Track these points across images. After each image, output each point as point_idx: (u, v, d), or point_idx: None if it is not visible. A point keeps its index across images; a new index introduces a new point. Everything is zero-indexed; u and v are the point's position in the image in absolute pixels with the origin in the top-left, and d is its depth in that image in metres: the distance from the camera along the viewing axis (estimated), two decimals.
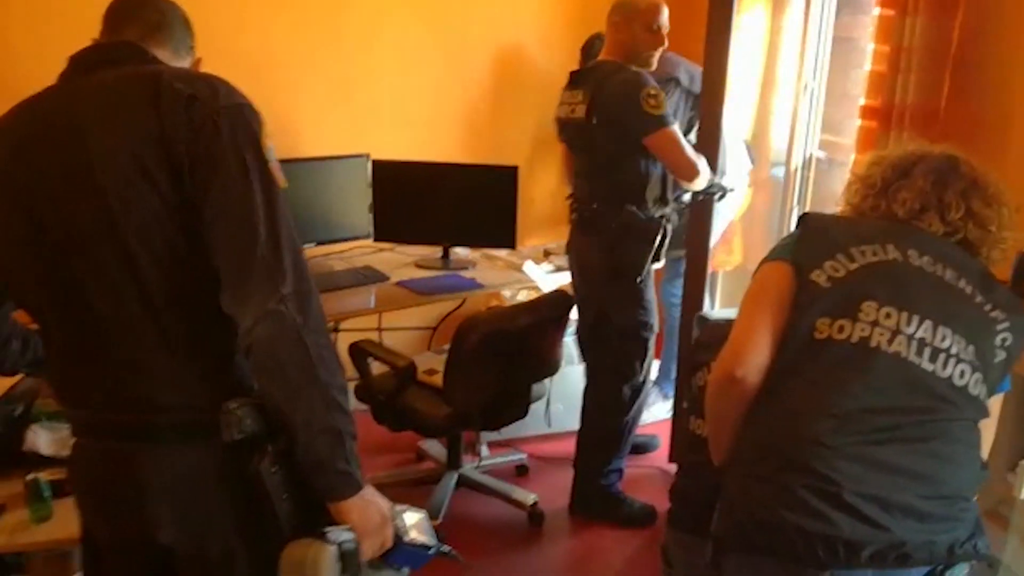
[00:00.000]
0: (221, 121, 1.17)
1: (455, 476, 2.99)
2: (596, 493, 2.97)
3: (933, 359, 1.33)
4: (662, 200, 2.76)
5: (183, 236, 1.18)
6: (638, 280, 2.73)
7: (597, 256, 2.78)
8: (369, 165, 3.27)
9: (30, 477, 1.64)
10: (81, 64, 1.27)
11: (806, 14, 3.38)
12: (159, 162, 1.15)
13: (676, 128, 2.64)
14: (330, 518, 1.23)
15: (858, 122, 2.77)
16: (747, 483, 1.36)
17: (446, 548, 1.43)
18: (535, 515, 2.92)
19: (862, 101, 2.75)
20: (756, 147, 3.49)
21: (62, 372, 1.31)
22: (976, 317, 1.39)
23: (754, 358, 1.38)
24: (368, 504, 1.25)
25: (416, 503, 2.86)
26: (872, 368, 1.32)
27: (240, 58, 3.07)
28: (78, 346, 1.26)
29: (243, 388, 1.26)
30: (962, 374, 1.33)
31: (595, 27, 3.59)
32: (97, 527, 1.36)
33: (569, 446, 3.33)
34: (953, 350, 1.34)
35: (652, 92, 2.60)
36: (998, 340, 1.38)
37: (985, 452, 1.64)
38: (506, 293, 3.44)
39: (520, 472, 3.26)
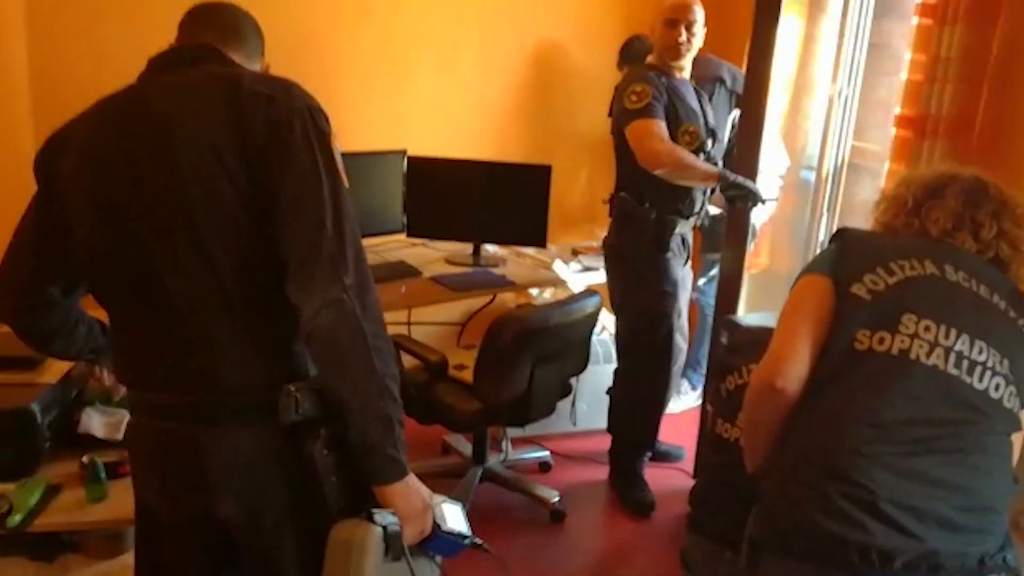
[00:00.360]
0: (295, 121, 1.25)
1: (480, 471, 3.04)
2: (616, 464, 3.19)
3: (971, 372, 1.35)
4: (674, 195, 2.87)
5: (254, 227, 1.25)
6: (649, 264, 2.93)
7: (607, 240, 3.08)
8: (404, 161, 3.31)
9: (87, 458, 1.69)
10: (160, 64, 1.33)
11: (843, 19, 3.39)
12: (237, 157, 1.23)
13: (654, 121, 2.75)
14: (375, 502, 1.29)
15: (892, 130, 2.79)
16: (786, 489, 1.39)
17: (479, 540, 1.47)
18: (556, 512, 2.96)
19: (897, 110, 2.77)
20: (787, 150, 3.52)
21: (129, 354, 1.37)
22: (1010, 331, 1.42)
23: (795, 368, 1.41)
24: (412, 490, 1.31)
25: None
26: (911, 379, 1.35)
27: (280, 53, 3.12)
28: (148, 328, 1.32)
29: (300, 374, 1.32)
30: (997, 387, 1.36)
31: (634, 28, 3.64)
32: (157, 504, 1.41)
33: (592, 444, 3.39)
34: (989, 363, 1.36)
35: (637, 88, 2.77)
36: None
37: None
38: (533, 291, 3.48)
39: (543, 469, 3.30)
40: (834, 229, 2.44)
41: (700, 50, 3.16)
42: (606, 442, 3.24)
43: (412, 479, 1.32)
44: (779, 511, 1.39)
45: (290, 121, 1.24)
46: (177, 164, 1.24)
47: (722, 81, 3.39)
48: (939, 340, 1.36)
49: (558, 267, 3.38)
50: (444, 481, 2.99)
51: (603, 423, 3.26)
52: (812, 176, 3.54)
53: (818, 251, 2.83)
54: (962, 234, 1.51)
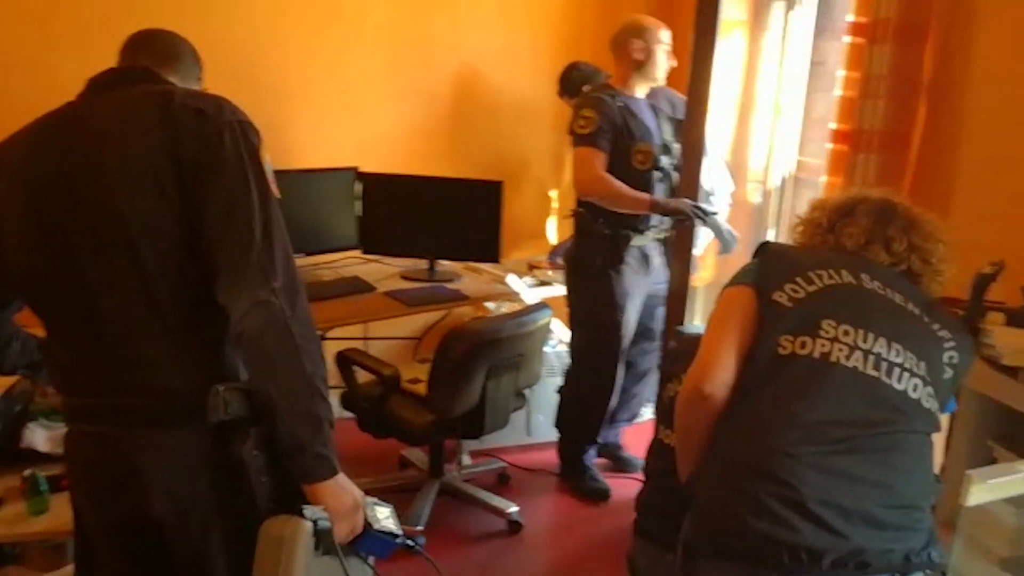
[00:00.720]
0: (225, 133, 1.30)
1: (437, 484, 3.07)
2: (565, 458, 3.33)
3: (889, 373, 1.41)
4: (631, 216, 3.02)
5: (188, 242, 1.29)
6: (602, 277, 3.07)
7: None
8: (356, 177, 3.35)
9: (28, 472, 1.71)
10: (99, 84, 1.38)
11: (784, 37, 3.50)
12: (168, 169, 1.27)
13: (593, 150, 2.93)
14: (306, 502, 1.32)
15: (828, 145, 2.89)
16: (716, 492, 1.43)
17: (411, 541, 1.51)
18: (513, 523, 2.99)
19: (832, 125, 2.87)
20: (734, 167, 3.60)
21: (64, 364, 1.40)
22: (925, 335, 1.49)
23: (720, 375, 1.47)
24: (342, 488, 1.35)
25: (398, 510, 2.94)
26: (833, 381, 1.41)
27: (233, 74, 3.16)
28: (84, 345, 1.35)
29: (231, 376, 1.35)
30: (915, 388, 1.42)
31: (576, 54, 3.73)
32: (90, 509, 1.43)
33: (549, 455, 3.43)
34: (907, 365, 1.42)
35: (586, 114, 2.97)
36: (945, 357, 1.48)
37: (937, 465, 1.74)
38: (491, 305, 3.53)
39: (501, 481, 3.34)
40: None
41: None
42: None
43: (342, 478, 1.35)
44: (711, 515, 1.43)
45: (220, 134, 1.29)
46: (113, 183, 1.27)
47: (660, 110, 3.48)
48: (858, 343, 1.42)
49: (512, 281, 3.43)
50: (402, 496, 3.02)
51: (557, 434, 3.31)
52: (759, 190, 3.63)
53: None
54: (875, 247, 1.60)
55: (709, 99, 2.92)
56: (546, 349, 3.68)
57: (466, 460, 3.38)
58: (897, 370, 1.42)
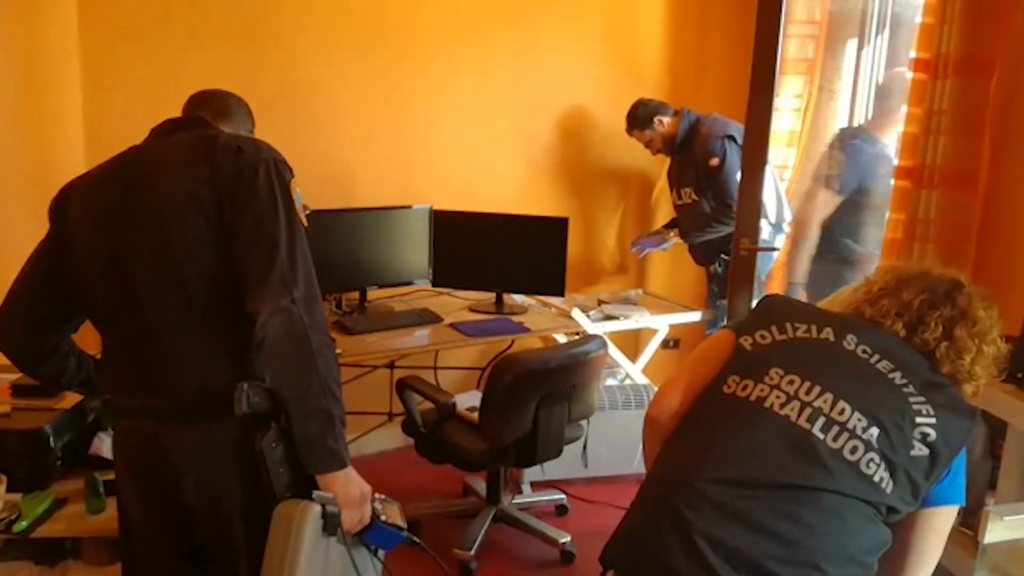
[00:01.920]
0: (259, 167, 1.50)
1: (492, 511, 3.13)
2: None
3: (825, 429, 1.35)
4: None
5: (220, 256, 1.48)
6: None
7: None
8: (430, 214, 3.51)
9: (89, 476, 1.89)
10: (160, 131, 1.62)
11: (856, 75, 3.48)
12: (210, 197, 1.47)
13: None
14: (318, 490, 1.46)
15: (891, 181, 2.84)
16: (632, 512, 1.46)
17: (416, 538, 1.63)
18: (566, 553, 3.02)
19: (896, 161, 2.83)
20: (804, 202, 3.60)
21: (117, 367, 1.59)
22: (892, 403, 1.39)
23: (666, 401, 1.54)
24: (350, 480, 1.48)
25: (454, 536, 3.04)
26: (760, 424, 1.38)
27: (317, 125, 3.40)
28: (130, 344, 1.55)
29: (255, 378, 1.51)
30: (854, 450, 1.34)
31: (640, 92, 3.82)
32: (133, 500, 1.60)
33: (610, 491, 3.45)
34: (850, 425, 1.35)
35: None
36: (917, 433, 1.36)
37: None
38: (560, 338, 3.60)
39: (560, 512, 3.37)
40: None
41: (707, 111, 3.39)
42: (624, 488, 3.29)
43: (351, 471, 1.49)
44: (620, 533, 1.45)
45: (256, 167, 1.50)
46: (163, 210, 1.48)
47: (732, 138, 3.52)
48: (799, 394, 1.39)
49: (576, 315, 3.49)
50: (460, 521, 3.11)
51: (621, 469, 3.32)
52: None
53: None
54: (898, 321, 1.51)
55: (769, 129, 2.95)
56: (611, 382, 3.74)
57: (526, 490, 3.44)
58: (836, 428, 1.35)
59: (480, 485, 3.36)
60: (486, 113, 3.80)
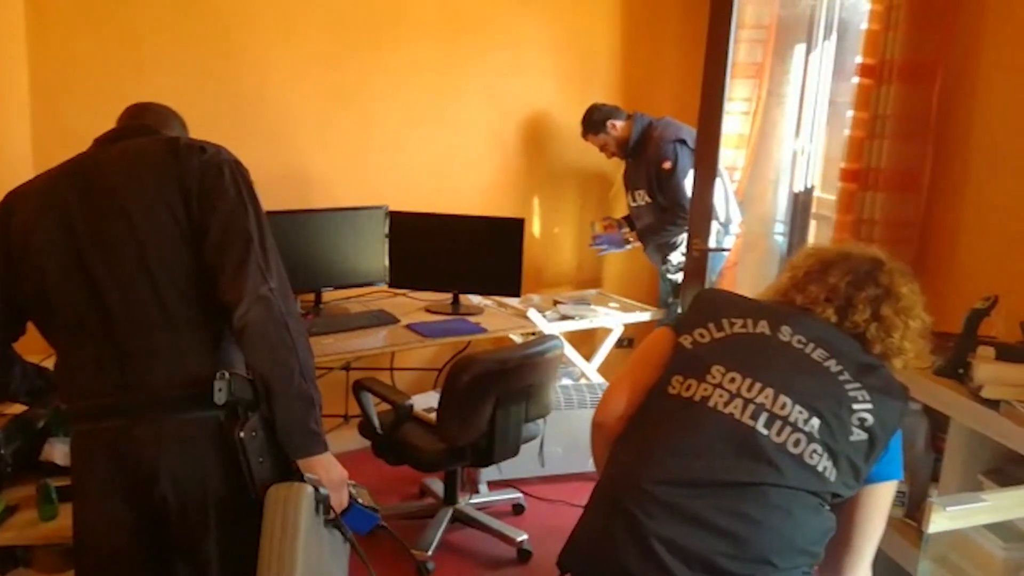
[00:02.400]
0: (224, 166, 1.55)
1: (450, 511, 3.14)
2: None
3: (768, 425, 1.38)
4: None
5: (191, 250, 1.51)
6: None
7: None
8: (386, 216, 3.51)
9: (41, 482, 1.86)
10: (106, 139, 1.64)
11: (804, 79, 3.56)
12: (176, 193, 1.51)
13: None
14: (301, 478, 1.48)
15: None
16: (585, 516, 1.48)
17: (385, 524, 1.66)
18: (523, 551, 3.04)
19: (842, 164, 2.91)
20: (748, 206, 3.68)
21: (78, 372, 1.56)
22: (830, 393, 1.41)
23: (611, 406, 1.57)
24: (332, 463, 1.53)
25: (412, 536, 3.04)
26: (705, 424, 1.41)
27: (268, 122, 3.38)
28: (96, 344, 1.52)
29: (231, 367, 1.54)
30: (797, 443, 1.36)
31: (595, 97, 3.86)
32: (96, 501, 1.56)
33: (566, 489, 3.48)
34: (791, 419, 1.38)
35: None
36: (854, 419, 1.40)
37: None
38: (516, 338, 3.62)
39: (517, 511, 3.40)
40: None
41: (661, 114, 3.46)
42: (581, 486, 3.33)
43: (331, 456, 1.52)
44: (575, 537, 1.47)
45: (219, 166, 1.55)
46: (126, 206, 1.50)
47: (683, 141, 3.58)
48: (741, 392, 1.41)
49: (532, 315, 3.52)
50: (418, 522, 3.11)
51: (578, 467, 3.35)
52: (783, 228, 3.68)
53: None
54: (828, 307, 1.54)
55: (720, 134, 3.01)
56: (567, 382, 3.78)
57: (483, 489, 3.46)
58: (778, 423, 1.38)
59: (437, 486, 3.37)
60: (442, 114, 3.81)
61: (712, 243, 3.18)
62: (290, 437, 1.49)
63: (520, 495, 3.43)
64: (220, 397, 1.48)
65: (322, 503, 1.47)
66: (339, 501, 1.55)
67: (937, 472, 2.23)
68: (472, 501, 3.30)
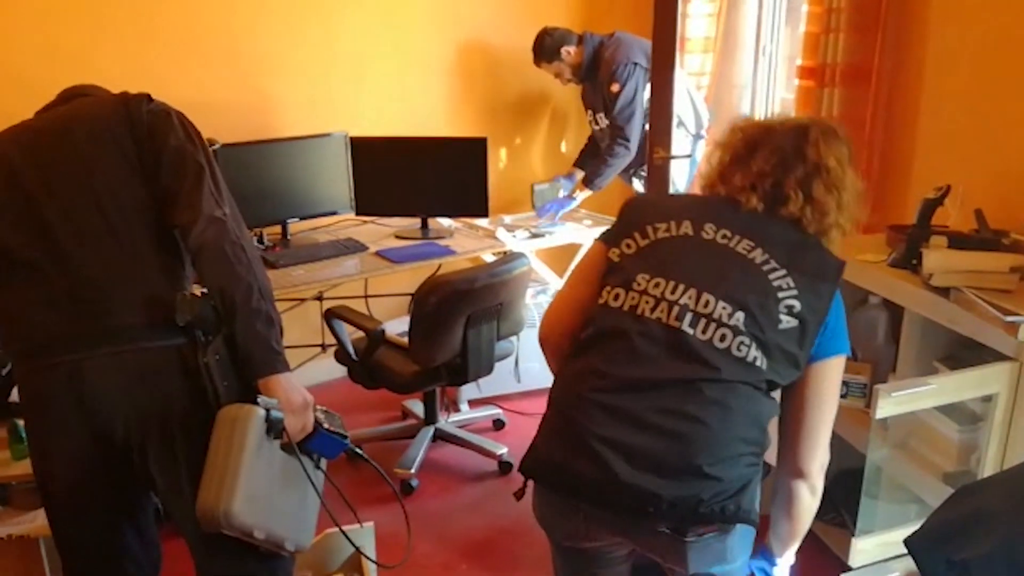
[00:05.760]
0: (170, 111, 1.63)
1: (431, 430, 3.21)
2: None
3: (694, 324, 1.39)
4: None
5: (140, 182, 1.57)
6: None
7: None
8: (346, 141, 3.48)
9: (11, 422, 1.89)
10: (58, 99, 1.70)
11: None
12: (126, 135, 1.57)
13: None
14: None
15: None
16: (541, 428, 1.51)
17: (359, 448, 1.69)
18: (504, 464, 3.13)
19: (799, 61, 2.88)
20: (718, 109, 3.64)
21: (21, 310, 1.55)
22: (753, 285, 1.42)
23: (551, 323, 1.60)
24: (292, 386, 1.54)
25: (395, 457, 3.10)
26: (634, 331, 1.42)
27: (225, 51, 3.31)
28: (45, 280, 1.52)
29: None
30: (723, 338, 1.39)
31: (545, 20, 3.78)
32: (51, 442, 1.58)
33: (544, 403, 3.53)
34: (715, 315, 1.40)
35: None
36: (782, 308, 1.41)
37: None
38: (488, 258, 3.63)
39: (497, 427, 3.47)
40: None
41: (612, 32, 3.42)
42: None
43: (292, 378, 1.55)
44: (533, 445, 1.50)
45: (167, 111, 1.63)
46: (77, 149, 1.56)
47: (636, 64, 3.53)
48: (665, 295, 1.42)
49: (501, 235, 3.53)
50: (402, 443, 3.18)
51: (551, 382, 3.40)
52: None
53: None
54: (753, 195, 1.52)
55: (674, 42, 2.97)
56: (541, 299, 3.81)
57: (464, 408, 3.52)
58: (703, 321, 1.40)
59: (418, 407, 3.43)
60: (399, 38, 3.74)
61: (685, 152, 3.17)
62: (251, 355, 1.51)
63: (500, 411, 3.50)
64: (182, 318, 1.50)
65: (275, 427, 1.48)
66: (301, 425, 1.56)
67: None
68: (453, 420, 3.37)
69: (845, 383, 2.40)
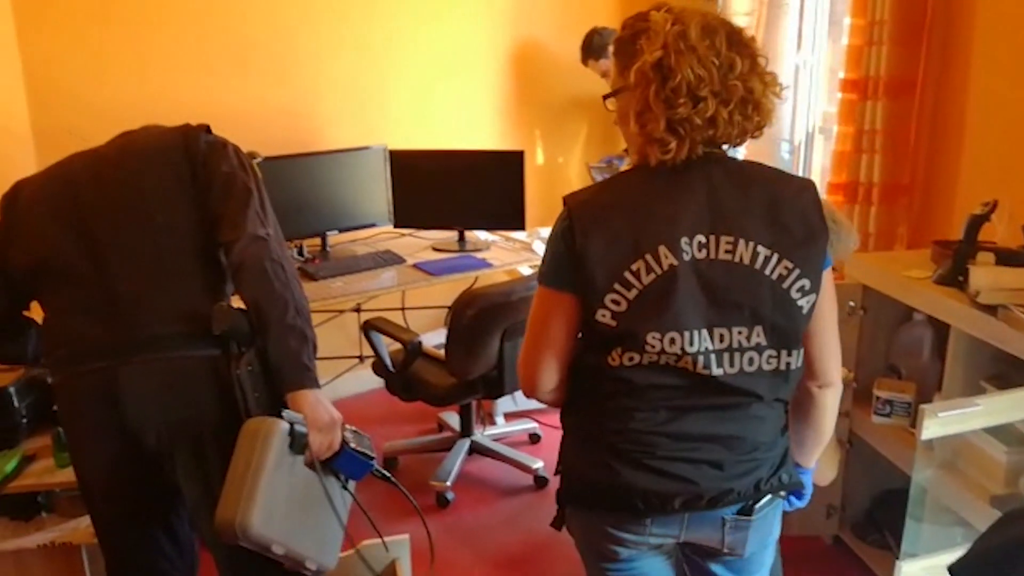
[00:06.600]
0: (227, 143, 1.72)
1: (467, 443, 3.21)
2: None
3: (720, 363, 1.34)
4: None
5: (192, 205, 1.64)
6: None
7: None
8: (386, 154, 3.50)
9: (55, 431, 1.93)
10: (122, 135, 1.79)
11: None
12: (183, 161, 1.65)
13: None
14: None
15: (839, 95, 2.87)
16: (580, 453, 1.45)
17: (387, 472, 1.68)
18: (539, 478, 3.11)
19: (841, 74, 2.85)
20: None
21: (59, 320, 1.62)
22: (759, 296, 1.33)
23: (543, 384, 1.43)
24: (320, 402, 1.55)
25: (431, 469, 3.11)
26: (668, 384, 1.35)
27: (268, 66, 3.36)
28: (84, 291, 1.58)
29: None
30: (751, 361, 1.35)
31: (593, 21, 3.78)
32: (91, 449, 1.61)
33: None
34: (735, 344, 1.34)
35: None
36: (794, 293, 1.33)
37: None
38: (526, 271, 3.63)
39: (533, 440, 3.46)
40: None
41: None
42: None
43: (321, 394, 1.56)
44: (575, 473, 1.47)
45: (223, 142, 1.72)
46: (134, 172, 1.66)
47: None
48: (685, 349, 1.33)
49: (538, 248, 3.52)
50: (438, 456, 3.18)
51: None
52: (787, 147, 3.62)
53: None
54: (682, 145, 1.31)
55: None
56: None
57: (500, 421, 3.52)
58: (727, 355, 1.34)
59: (454, 420, 3.43)
60: (441, 49, 3.77)
61: None
62: (281, 369, 1.53)
63: (535, 425, 3.49)
64: (218, 327, 1.54)
65: (298, 442, 1.48)
66: (328, 443, 1.55)
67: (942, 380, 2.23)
68: (489, 433, 3.36)
69: (889, 402, 2.37)
